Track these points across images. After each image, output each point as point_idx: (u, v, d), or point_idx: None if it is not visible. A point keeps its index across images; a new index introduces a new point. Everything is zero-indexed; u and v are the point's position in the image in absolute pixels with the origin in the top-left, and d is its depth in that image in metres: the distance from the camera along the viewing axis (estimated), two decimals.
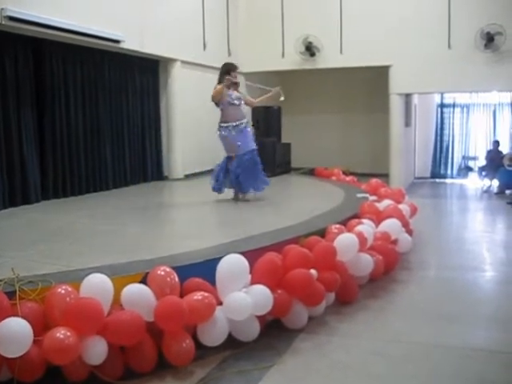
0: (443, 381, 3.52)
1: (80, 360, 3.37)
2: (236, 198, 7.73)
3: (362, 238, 5.16)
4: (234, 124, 7.53)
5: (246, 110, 8.24)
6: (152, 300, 3.70)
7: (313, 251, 4.64)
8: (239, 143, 7.54)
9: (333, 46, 12.43)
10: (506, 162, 12.80)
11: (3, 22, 6.86)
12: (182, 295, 3.85)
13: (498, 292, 5.42)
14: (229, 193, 7.81)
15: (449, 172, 15.94)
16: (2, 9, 6.79)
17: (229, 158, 7.70)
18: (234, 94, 7.58)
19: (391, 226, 6.23)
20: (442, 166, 16.02)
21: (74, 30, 7.93)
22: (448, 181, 15.55)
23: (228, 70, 7.59)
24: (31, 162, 7.83)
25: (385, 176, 11.95)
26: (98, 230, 6.02)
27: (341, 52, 12.47)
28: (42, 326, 3.43)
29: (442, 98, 15.83)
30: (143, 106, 10.49)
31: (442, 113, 15.96)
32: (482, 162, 14.49)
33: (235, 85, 7.64)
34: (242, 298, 3.91)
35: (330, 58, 12.54)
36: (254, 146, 7.72)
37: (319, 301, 4.45)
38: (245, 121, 7.67)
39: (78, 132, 8.77)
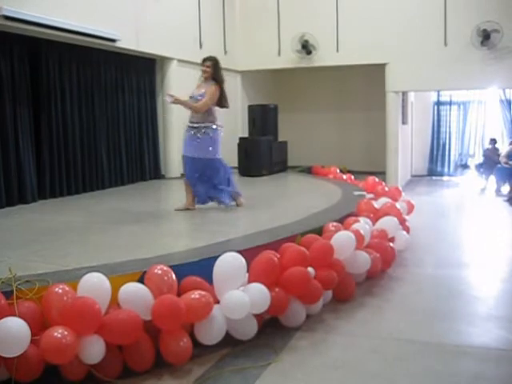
0: (439, 378, 3.53)
1: (77, 359, 3.37)
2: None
3: (358, 236, 5.17)
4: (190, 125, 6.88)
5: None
6: (149, 299, 3.70)
7: (310, 249, 4.65)
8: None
9: (329, 44, 12.44)
10: (502, 159, 12.82)
11: None
12: (179, 294, 3.86)
13: (495, 289, 5.43)
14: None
15: (445, 169, 15.96)
16: None
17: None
18: (196, 91, 6.89)
19: (388, 223, 6.25)
20: (439, 164, 16.03)
21: (70, 29, 7.92)
22: (445, 178, 15.58)
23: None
24: (27, 161, 7.82)
25: (382, 174, 11.95)
26: (95, 229, 6.03)
27: (337, 50, 12.48)
28: (39, 325, 3.43)
29: (438, 95, 15.85)
30: (140, 105, 10.47)
31: (438, 110, 15.97)
32: (479, 159, 14.52)
33: (206, 79, 6.89)
34: (240, 296, 3.92)
35: (326, 56, 12.55)
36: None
37: (316, 299, 4.45)
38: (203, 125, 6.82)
39: (75, 131, 8.76)
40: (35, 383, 3.36)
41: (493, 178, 13.14)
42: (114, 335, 3.49)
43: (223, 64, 12.46)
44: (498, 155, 13.39)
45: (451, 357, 3.79)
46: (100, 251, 4.94)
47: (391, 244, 5.97)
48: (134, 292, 3.70)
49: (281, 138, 12.06)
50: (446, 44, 11.80)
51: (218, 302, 3.94)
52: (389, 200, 7.42)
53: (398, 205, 7.33)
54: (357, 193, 8.02)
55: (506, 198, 10.99)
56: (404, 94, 13.50)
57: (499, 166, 12.84)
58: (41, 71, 8.15)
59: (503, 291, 5.37)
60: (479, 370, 3.59)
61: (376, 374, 3.57)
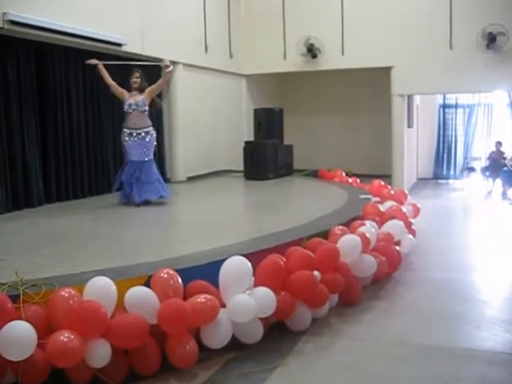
0: (446, 381, 3.51)
1: (84, 363, 3.38)
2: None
3: (364, 240, 5.16)
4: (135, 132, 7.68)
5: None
6: (155, 303, 3.70)
7: (316, 253, 4.64)
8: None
9: (334, 47, 12.43)
10: (509, 162, 12.79)
11: (5, 26, 6.88)
12: (185, 298, 3.86)
13: (502, 293, 5.41)
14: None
15: (451, 172, 15.93)
16: (4, 13, 6.81)
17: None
18: (133, 100, 7.68)
19: (394, 227, 6.24)
20: (445, 167, 16.02)
21: (76, 33, 7.94)
22: (451, 181, 15.54)
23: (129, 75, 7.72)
24: (34, 165, 7.83)
25: (387, 177, 11.94)
26: (101, 233, 6.03)
27: (342, 53, 12.47)
28: (45, 329, 3.44)
29: (444, 98, 15.83)
30: None
31: (444, 113, 15.95)
32: (485, 162, 14.48)
33: (138, 89, 7.73)
34: (246, 300, 3.92)
35: (331, 60, 12.54)
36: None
37: (322, 302, 4.45)
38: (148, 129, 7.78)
39: (81, 135, 8.78)
40: None
41: (499, 182, 13.11)
42: (120, 339, 3.49)
43: (229, 67, 12.63)
44: (504, 158, 13.37)
45: (458, 360, 3.78)
46: (106, 255, 4.94)
47: (397, 247, 5.96)
48: (140, 296, 3.70)
49: (286, 142, 12.05)
50: (451, 47, 11.77)
51: (224, 305, 3.94)
52: (395, 203, 7.41)
53: (403, 208, 7.32)
54: (362, 196, 8.01)
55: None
56: (409, 97, 13.48)
57: (505, 169, 12.81)
58: (47, 75, 8.16)
59: (510, 295, 5.35)
60: (486, 373, 3.58)
61: (383, 378, 3.57)
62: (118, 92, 7.75)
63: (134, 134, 7.65)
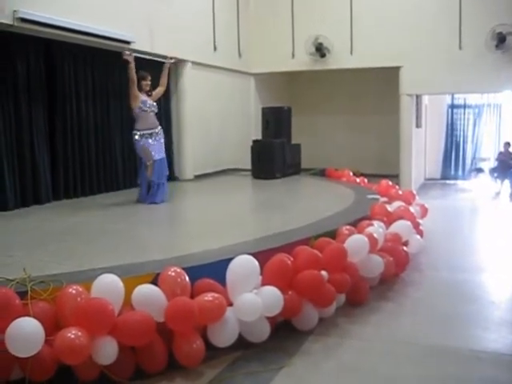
0: (453, 383, 3.50)
1: (91, 360, 3.38)
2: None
3: (372, 240, 5.14)
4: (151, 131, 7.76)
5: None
6: (163, 300, 3.71)
7: (323, 252, 4.64)
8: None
9: (343, 46, 12.42)
10: None
11: (15, 24, 6.91)
12: (192, 296, 3.86)
13: (510, 294, 5.39)
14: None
15: (459, 173, 15.88)
16: (15, 11, 6.84)
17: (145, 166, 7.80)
18: (149, 100, 7.81)
19: (402, 227, 6.22)
20: (453, 167, 15.97)
21: (85, 31, 7.96)
22: (459, 182, 15.48)
23: (139, 78, 7.72)
24: (42, 162, 7.87)
25: (395, 177, 11.91)
26: (108, 231, 6.05)
27: (351, 53, 12.45)
28: (53, 325, 3.45)
29: (452, 98, 15.77)
30: None
31: (452, 113, 15.90)
32: (493, 163, 14.41)
33: (146, 92, 7.83)
34: (253, 299, 3.91)
35: (340, 59, 12.53)
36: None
37: (329, 302, 4.44)
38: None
39: (89, 132, 8.81)
40: (48, 383, 3.37)
41: (507, 183, 13.05)
42: (127, 336, 3.50)
43: (237, 66, 12.64)
44: None
45: (465, 362, 3.77)
46: (113, 252, 4.95)
47: (405, 248, 5.94)
48: (148, 293, 3.71)
49: (294, 141, 12.04)
50: (460, 47, 11.73)
51: (231, 304, 3.94)
52: (402, 203, 7.39)
53: (411, 208, 7.30)
54: (370, 196, 7.99)
55: None
56: (418, 97, 13.44)
57: None
58: (56, 72, 8.19)
59: None
60: (492, 375, 3.57)
61: (389, 379, 3.56)
62: (135, 92, 7.64)
63: (154, 133, 7.74)
